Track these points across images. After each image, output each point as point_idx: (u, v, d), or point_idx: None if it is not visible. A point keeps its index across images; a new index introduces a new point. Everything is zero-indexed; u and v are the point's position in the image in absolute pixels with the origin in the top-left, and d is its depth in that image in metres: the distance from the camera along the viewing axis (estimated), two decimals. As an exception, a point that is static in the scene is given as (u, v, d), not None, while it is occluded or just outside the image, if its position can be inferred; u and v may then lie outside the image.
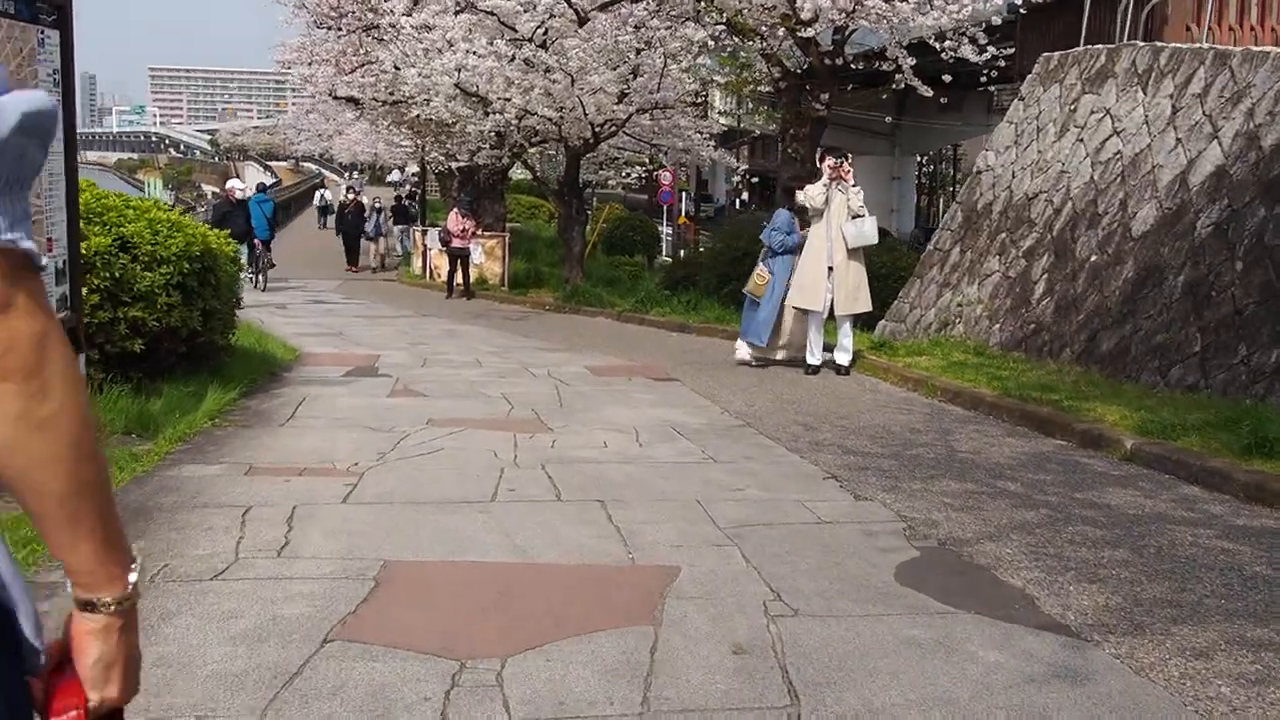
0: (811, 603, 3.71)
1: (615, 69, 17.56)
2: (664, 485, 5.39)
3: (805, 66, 14.09)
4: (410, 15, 18.69)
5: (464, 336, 12.72)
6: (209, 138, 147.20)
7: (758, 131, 39.23)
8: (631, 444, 6.46)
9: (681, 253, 31.68)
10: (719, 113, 29.95)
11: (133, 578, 1.10)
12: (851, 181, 9.95)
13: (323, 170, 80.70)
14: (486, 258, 21.24)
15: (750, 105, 35.30)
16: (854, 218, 9.81)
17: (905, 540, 4.52)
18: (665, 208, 39.35)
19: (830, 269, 9.80)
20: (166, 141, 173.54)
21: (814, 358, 10.04)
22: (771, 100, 15.10)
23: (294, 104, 66.82)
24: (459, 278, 19.24)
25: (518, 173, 30.22)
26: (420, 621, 3.50)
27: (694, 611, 3.60)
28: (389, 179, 66.36)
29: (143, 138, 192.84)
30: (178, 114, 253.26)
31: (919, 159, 60.67)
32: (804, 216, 10.15)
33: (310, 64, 24.56)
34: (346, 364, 9.73)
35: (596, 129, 18.84)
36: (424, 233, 24.01)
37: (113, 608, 1.08)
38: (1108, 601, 3.80)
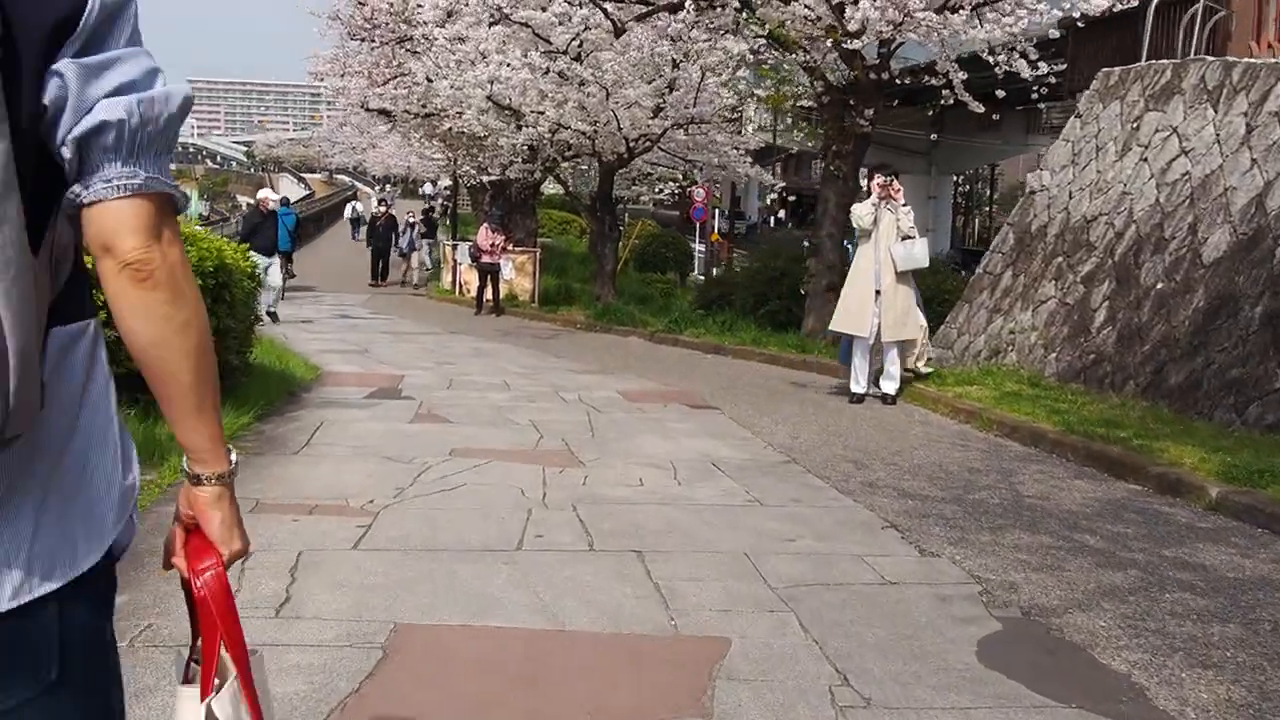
0: (885, 689, 3.20)
1: (650, 82, 17.15)
2: (707, 533, 4.89)
3: (849, 81, 13.57)
4: (443, 27, 18.38)
5: (492, 356, 12.29)
6: (245, 149, 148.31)
7: (795, 148, 38.68)
8: (669, 482, 5.96)
9: (714, 270, 31.29)
10: (754, 128, 29.44)
11: (233, 457, 1.35)
12: (901, 200, 9.44)
13: (355, 183, 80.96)
14: (517, 273, 20.85)
15: (787, 121, 34.75)
16: (903, 239, 9.29)
17: (983, 608, 4.00)
18: (698, 224, 38.95)
19: (878, 292, 9.28)
20: (204, 153, 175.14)
21: (859, 386, 9.52)
22: (812, 116, 14.60)
23: (328, 117, 67.00)
24: (488, 293, 18.84)
25: (549, 187, 29.81)
26: (433, 705, 3.03)
27: (749, 699, 3.09)
28: (421, 191, 66.41)
29: (180, 149, 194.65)
30: (215, 126, 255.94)
31: (955, 178, 59.98)
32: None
33: (343, 76, 24.36)
34: (369, 385, 9.30)
35: (631, 144, 18.44)
36: (454, 247, 23.65)
37: (225, 480, 1.32)
38: (1229, 694, 3.26)
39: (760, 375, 11.30)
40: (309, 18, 23.85)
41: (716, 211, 39.30)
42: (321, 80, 24.92)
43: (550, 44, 16.98)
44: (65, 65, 1.11)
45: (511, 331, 15.69)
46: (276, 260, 15.76)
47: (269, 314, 13.75)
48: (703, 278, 33.72)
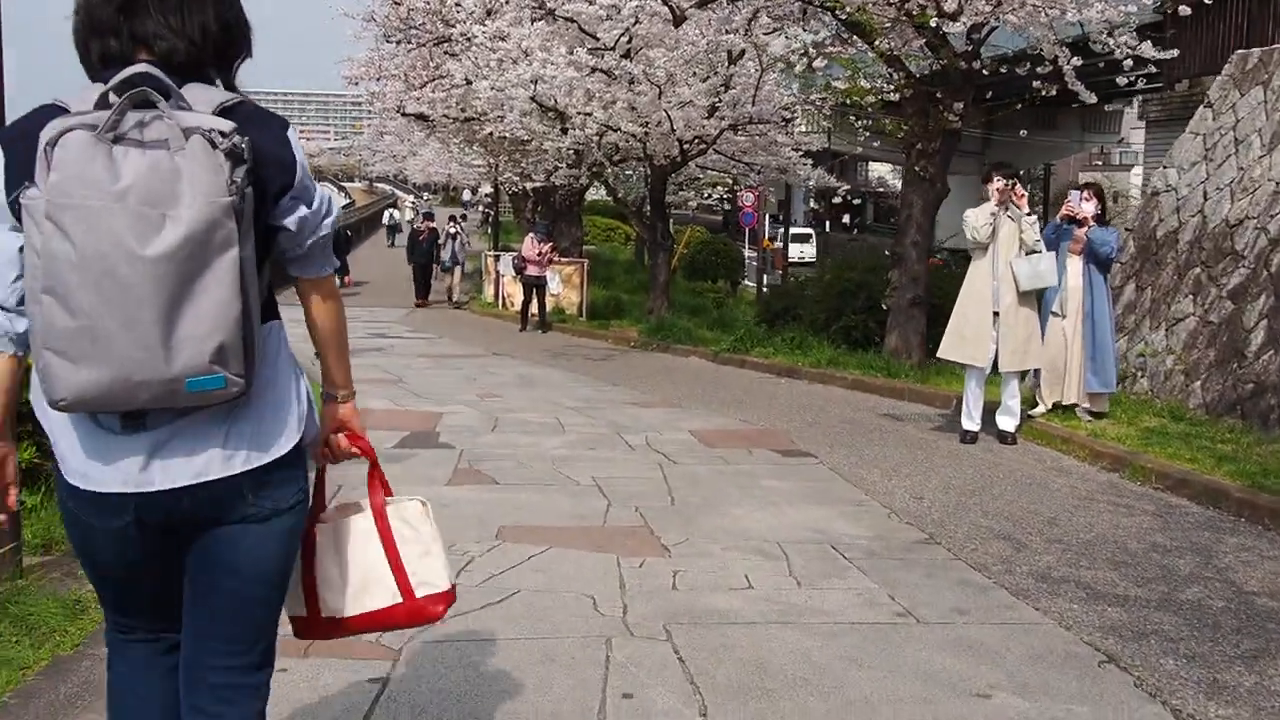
0: None
1: (705, 80, 15.78)
2: (860, 682, 3.49)
3: (936, 71, 12.11)
4: (484, 24, 17.13)
5: (541, 385, 10.93)
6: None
7: (857, 150, 37.07)
8: (784, 580, 4.56)
9: (765, 279, 29.82)
10: (803, 131, 27.88)
11: (354, 388, 2.26)
12: (1025, 209, 7.97)
13: (396, 191, 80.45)
14: (564, 286, 19.54)
15: (835, 122, 33.22)
16: (1027, 253, 7.83)
17: None
18: (746, 230, 37.45)
19: (996, 314, 7.84)
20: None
21: (972, 422, 8.08)
22: (868, 114, 13.07)
23: (369, 125, 66.37)
24: (534, 309, 17.53)
25: (593, 191, 28.47)
26: None
27: None
28: (462, 198, 65.47)
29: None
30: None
31: (1009, 179, 58.09)
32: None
33: (378, 79, 23.24)
34: (400, 427, 7.99)
35: (685, 146, 17.07)
36: (496, 258, 22.38)
37: (352, 397, 2.24)
38: None
39: (846, 405, 9.88)
40: (346, 22, 22.69)
41: (767, 218, 37.80)
42: (356, 84, 23.74)
43: (597, 40, 15.66)
44: (296, 212, 2.02)
45: (560, 352, 14.34)
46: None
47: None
48: (754, 285, 32.37)
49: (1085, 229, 8.25)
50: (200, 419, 1.92)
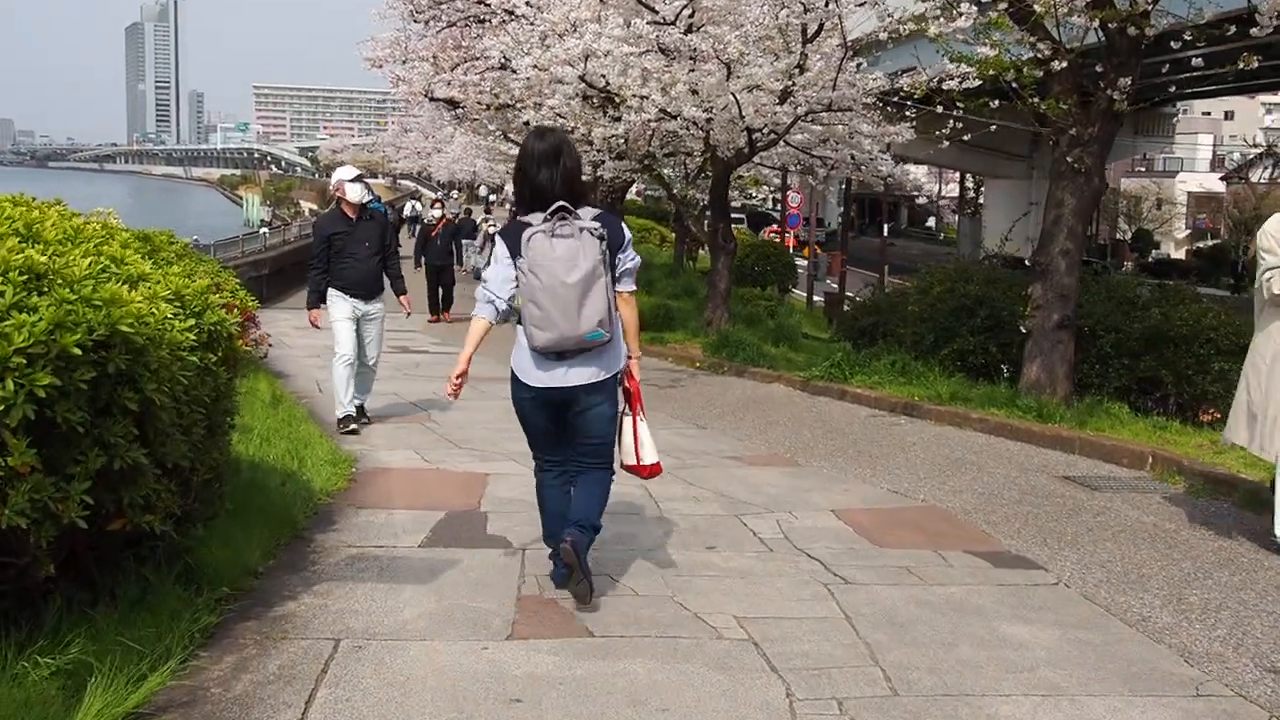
0: None
1: (775, 60, 13.42)
2: None
3: (1101, 41, 9.74)
4: (526, -6, 14.87)
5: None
6: (310, 155, 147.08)
7: (943, 145, 34.44)
8: None
9: (823, 290, 27.41)
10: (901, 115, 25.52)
11: (638, 352, 4.47)
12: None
13: (419, 188, 78.61)
14: (611, 294, 17.18)
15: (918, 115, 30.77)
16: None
17: None
18: (792, 233, 35.06)
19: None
20: (269, 158, 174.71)
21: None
22: (1027, 94, 10.47)
23: (393, 122, 64.41)
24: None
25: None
26: None
27: None
28: (480, 194, 63.28)
29: (246, 154, 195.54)
30: (280, 132, 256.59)
31: (1060, 183, 55.34)
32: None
33: (404, 62, 20.97)
34: (431, 504, 5.66)
35: (754, 135, 14.68)
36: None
37: (636, 358, 4.43)
38: None
39: (1005, 461, 7.51)
40: (371, 14, 20.43)
41: (813, 220, 35.38)
42: (379, 67, 21.46)
43: (655, 12, 13.31)
44: (622, 257, 4.26)
45: (616, 375, 11.97)
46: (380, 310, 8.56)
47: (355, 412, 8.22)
48: (803, 294, 30.03)
49: None
50: (589, 355, 4.14)
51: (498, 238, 4.28)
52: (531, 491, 4.59)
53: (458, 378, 4.26)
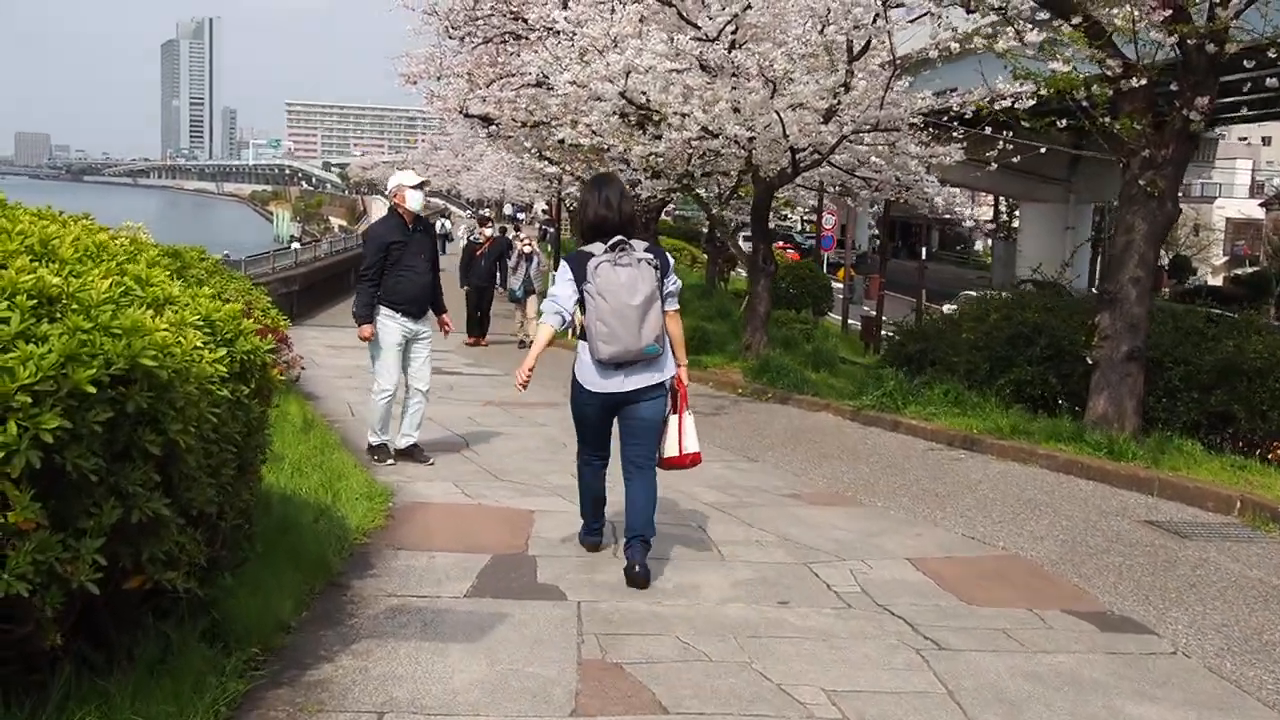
0: None
1: (821, 79, 12.98)
2: None
3: (1176, 58, 9.27)
4: (565, 7, 14.53)
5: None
6: (340, 171, 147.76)
7: (992, 168, 33.88)
8: None
9: (859, 314, 26.86)
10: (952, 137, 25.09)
11: (684, 363, 5.12)
12: None
13: (449, 205, 78.66)
14: (647, 316, 16.71)
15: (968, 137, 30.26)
16: None
17: None
18: (825, 255, 34.54)
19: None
20: (299, 175, 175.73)
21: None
22: (1099, 113, 9.95)
23: (423, 140, 64.49)
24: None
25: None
26: None
27: None
28: (505, 213, 63.14)
29: (277, 170, 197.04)
30: (311, 149, 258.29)
31: (1095, 209, 54.43)
32: None
33: (439, 78, 20.70)
34: (475, 546, 5.23)
35: (798, 154, 14.25)
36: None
37: (684, 365, 5.07)
38: None
39: (1079, 503, 7.01)
40: (403, 23, 20.17)
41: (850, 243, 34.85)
42: (414, 83, 21.20)
43: (698, 29, 12.94)
44: (667, 281, 4.90)
45: (656, 401, 11.52)
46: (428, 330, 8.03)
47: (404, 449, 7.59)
48: (838, 318, 29.52)
49: None
50: (646, 365, 4.77)
51: (564, 262, 4.91)
52: (577, 529, 5.42)
53: (528, 371, 4.81)
